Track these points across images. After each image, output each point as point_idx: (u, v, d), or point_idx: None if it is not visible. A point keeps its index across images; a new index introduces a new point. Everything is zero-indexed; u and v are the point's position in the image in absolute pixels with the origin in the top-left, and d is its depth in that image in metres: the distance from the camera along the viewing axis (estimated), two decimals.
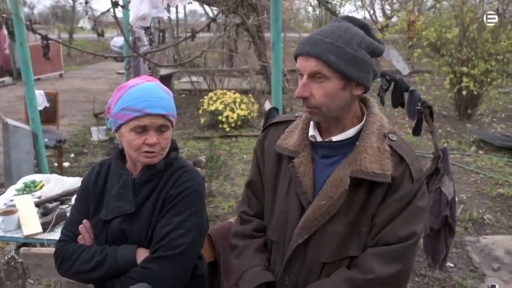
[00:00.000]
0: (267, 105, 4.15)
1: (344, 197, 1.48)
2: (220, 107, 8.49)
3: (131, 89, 1.70)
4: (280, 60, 4.00)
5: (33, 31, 4.17)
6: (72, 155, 7.13)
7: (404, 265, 1.45)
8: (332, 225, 1.51)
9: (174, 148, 1.83)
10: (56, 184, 3.08)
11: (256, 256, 1.69)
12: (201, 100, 9.04)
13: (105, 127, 8.06)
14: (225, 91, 9.19)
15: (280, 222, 1.64)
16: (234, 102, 8.65)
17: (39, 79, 14.18)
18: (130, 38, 7.21)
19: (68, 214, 2.83)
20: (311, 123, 1.62)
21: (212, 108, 8.55)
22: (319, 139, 1.59)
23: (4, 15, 4.15)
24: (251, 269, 1.66)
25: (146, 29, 6.39)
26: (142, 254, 1.69)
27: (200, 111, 8.84)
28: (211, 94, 9.02)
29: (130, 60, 7.14)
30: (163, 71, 9.32)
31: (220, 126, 8.47)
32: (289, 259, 1.59)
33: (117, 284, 1.67)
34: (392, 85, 3.30)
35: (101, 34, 4.42)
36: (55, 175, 3.29)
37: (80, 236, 1.77)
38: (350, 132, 1.54)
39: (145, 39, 7.37)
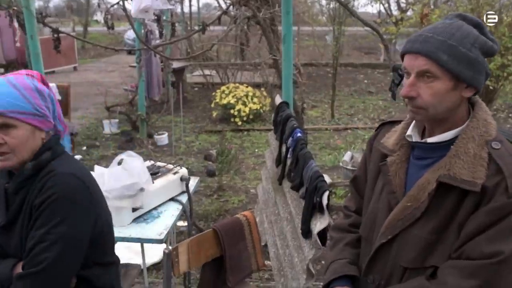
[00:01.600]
0: (278, 99, 4.11)
1: (429, 201, 1.43)
2: (232, 101, 8.46)
3: None
4: (291, 53, 3.96)
5: (44, 24, 4.16)
6: (84, 147, 7.15)
7: (482, 283, 1.33)
8: (416, 229, 1.46)
9: (47, 148, 1.66)
10: None
11: (345, 250, 1.72)
12: (213, 93, 9.02)
13: (117, 120, 8.08)
14: (237, 84, 9.16)
15: (370, 219, 1.63)
16: (247, 95, 8.62)
17: (53, 72, 14.28)
18: (142, 31, 7.19)
19: None
20: (413, 122, 1.58)
21: (224, 101, 8.53)
22: (415, 139, 1.55)
23: (15, 8, 4.15)
24: (337, 260, 1.69)
25: (158, 22, 6.36)
26: (19, 269, 1.58)
27: (212, 105, 8.83)
28: (223, 87, 8.99)
29: (141, 53, 7.12)
30: (176, 64, 9.29)
31: (232, 119, 8.45)
32: (373, 257, 1.57)
33: None
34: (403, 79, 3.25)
35: (111, 27, 4.40)
36: None
37: None
38: (447, 135, 1.47)
39: (157, 32, 7.35)
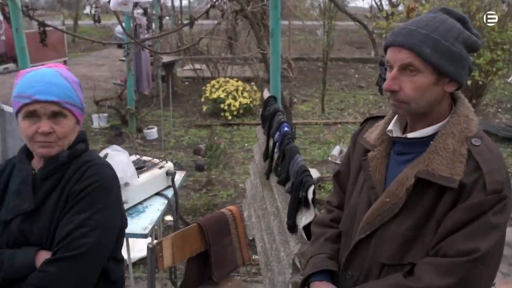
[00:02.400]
0: (266, 93, 4.10)
1: (406, 197, 1.42)
2: (222, 95, 8.44)
3: (25, 75, 1.62)
4: (279, 48, 3.94)
5: (30, 17, 4.11)
6: None
7: (457, 281, 1.32)
8: (394, 225, 1.44)
9: (81, 139, 1.71)
10: None
11: (325, 245, 1.70)
12: (203, 88, 8.99)
13: (106, 114, 8.04)
14: (227, 79, 9.15)
15: (351, 214, 1.62)
16: (237, 90, 8.60)
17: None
18: (131, 24, 7.14)
19: None
20: (395, 118, 1.56)
21: (214, 96, 8.50)
22: (396, 134, 1.53)
23: (1, 1, 4.10)
24: (317, 255, 1.68)
25: (145, 15, 6.31)
26: (43, 257, 1.55)
27: (202, 99, 8.80)
28: (213, 82, 8.97)
29: (130, 47, 7.07)
30: (165, 58, 9.24)
31: (222, 114, 8.43)
32: (351, 252, 1.56)
33: None
34: None
35: (97, 21, 4.37)
36: None
37: None
38: (427, 131, 1.46)
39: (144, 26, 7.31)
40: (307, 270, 1.67)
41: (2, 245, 1.60)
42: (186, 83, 11.64)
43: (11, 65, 13.47)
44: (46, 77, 1.60)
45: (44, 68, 1.64)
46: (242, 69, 10.72)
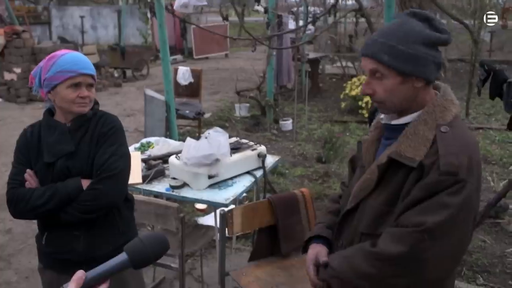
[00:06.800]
0: None
1: (378, 173, 1.62)
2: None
3: (62, 57, 2.11)
4: None
5: (173, 15, 4.74)
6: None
7: (407, 250, 1.48)
8: (372, 199, 1.66)
9: (96, 102, 2.26)
10: (162, 145, 3.59)
11: (326, 216, 1.98)
12: (344, 85, 9.15)
13: (247, 105, 8.65)
14: None
15: (348, 191, 1.86)
16: None
17: (207, 58, 15.48)
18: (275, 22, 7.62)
19: (165, 171, 3.31)
20: None
21: (353, 93, 8.62)
22: (385, 121, 1.73)
23: (149, 1, 4.80)
24: (318, 224, 1.98)
25: (289, 13, 6.71)
26: (85, 182, 2.10)
27: (342, 96, 8.97)
28: (354, 79, 9.08)
29: (272, 42, 7.55)
30: (312, 55, 9.60)
31: (360, 111, 8.52)
32: (340, 223, 1.81)
33: (69, 211, 2.06)
34: (490, 76, 3.21)
35: (225, 18, 4.85)
36: (163, 138, 3.81)
37: (27, 182, 2.12)
38: (406, 118, 1.64)
39: (290, 22, 7.74)
40: (307, 235, 1.94)
41: (48, 182, 2.13)
42: (334, 79, 11.87)
43: (178, 57, 14.97)
44: (82, 57, 2.16)
45: (71, 52, 2.18)
46: None
